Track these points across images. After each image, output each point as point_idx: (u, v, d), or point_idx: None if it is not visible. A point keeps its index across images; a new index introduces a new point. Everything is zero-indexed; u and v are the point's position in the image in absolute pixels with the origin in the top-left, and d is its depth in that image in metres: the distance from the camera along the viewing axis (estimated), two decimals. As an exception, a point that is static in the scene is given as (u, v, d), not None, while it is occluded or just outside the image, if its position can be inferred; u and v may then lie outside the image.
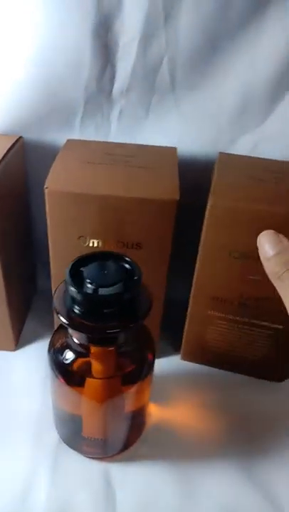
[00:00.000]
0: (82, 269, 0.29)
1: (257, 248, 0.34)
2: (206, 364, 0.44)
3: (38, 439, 0.37)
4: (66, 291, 0.29)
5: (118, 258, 0.30)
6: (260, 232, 0.34)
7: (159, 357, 0.45)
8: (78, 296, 0.27)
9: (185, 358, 0.45)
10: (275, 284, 0.27)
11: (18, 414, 0.39)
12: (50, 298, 0.48)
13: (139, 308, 0.29)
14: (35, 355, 0.44)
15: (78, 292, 0.27)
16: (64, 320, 0.28)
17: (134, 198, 0.33)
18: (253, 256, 0.35)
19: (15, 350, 0.45)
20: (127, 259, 0.29)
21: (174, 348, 0.46)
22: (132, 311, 0.28)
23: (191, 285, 0.40)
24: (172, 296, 0.42)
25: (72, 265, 0.29)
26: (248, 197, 0.34)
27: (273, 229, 0.33)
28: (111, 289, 0.28)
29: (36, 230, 0.50)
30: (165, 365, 0.44)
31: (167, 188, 0.34)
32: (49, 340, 0.46)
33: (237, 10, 0.37)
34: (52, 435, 0.37)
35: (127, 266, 0.29)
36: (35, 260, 0.52)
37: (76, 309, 0.28)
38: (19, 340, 0.46)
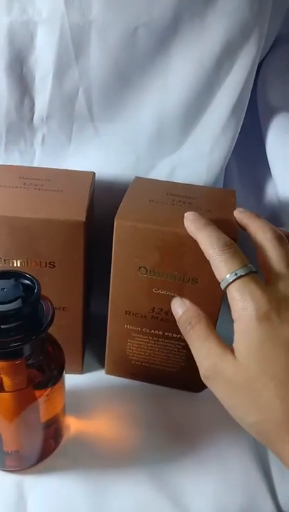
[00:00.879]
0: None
1: (158, 264, 0.37)
2: (129, 377, 0.46)
3: None
4: None
5: (17, 275, 0.31)
6: (160, 250, 0.36)
7: (85, 372, 0.46)
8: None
9: (109, 372, 0.47)
10: (186, 339, 0.31)
11: None
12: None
13: (40, 321, 0.31)
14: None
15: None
16: None
17: (42, 219, 0.36)
18: (158, 272, 0.38)
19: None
20: (26, 275, 0.31)
21: (100, 362, 0.47)
22: (33, 324, 0.30)
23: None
24: (96, 312, 0.44)
25: None
26: (147, 218, 0.37)
27: (170, 246, 0.36)
28: (10, 305, 0.29)
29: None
30: (90, 379, 0.46)
31: (75, 210, 0.37)
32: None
33: (143, 45, 0.41)
34: None
35: (26, 282, 0.31)
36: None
37: None
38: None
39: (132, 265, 0.38)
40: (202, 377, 0.30)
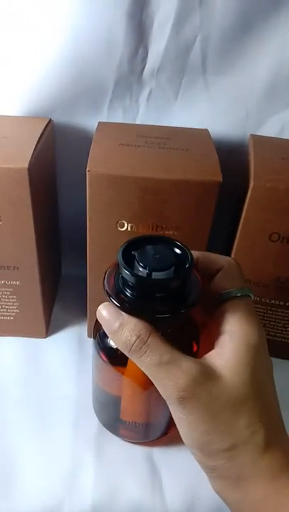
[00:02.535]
0: (133, 252, 0.28)
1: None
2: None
3: (79, 425, 0.37)
4: (116, 274, 0.28)
5: (169, 242, 0.29)
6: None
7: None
8: (132, 280, 0.27)
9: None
10: (128, 356, 0.26)
11: (55, 401, 0.38)
12: (75, 284, 0.48)
13: (189, 295, 0.28)
14: (66, 342, 0.44)
15: (132, 276, 0.27)
16: (116, 303, 0.27)
17: (176, 180, 0.33)
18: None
19: (46, 337, 0.44)
20: (178, 243, 0.29)
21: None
22: (182, 297, 0.28)
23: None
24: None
25: (124, 249, 0.28)
26: (288, 177, 0.34)
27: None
28: (164, 273, 0.27)
29: (62, 214, 0.49)
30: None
31: (209, 170, 0.34)
32: (78, 326, 0.46)
33: None
34: (92, 420, 0.37)
35: (177, 250, 0.29)
36: (60, 246, 0.51)
37: (128, 293, 0.27)
38: (49, 327, 0.45)
39: (264, 231, 0.35)
40: (175, 401, 0.24)
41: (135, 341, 0.25)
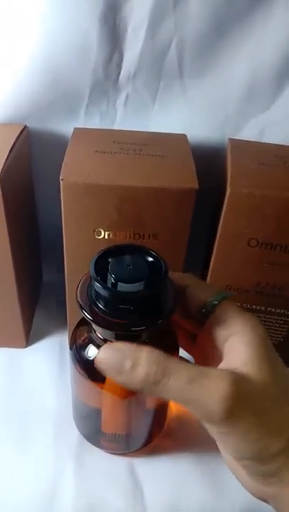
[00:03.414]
0: (109, 259, 0.27)
1: (274, 235, 0.34)
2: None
3: (59, 437, 0.36)
4: (90, 285, 0.28)
5: (142, 251, 0.28)
6: (278, 219, 0.33)
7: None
8: (103, 292, 0.26)
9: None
10: (151, 392, 0.23)
11: (36, 412, 0.38)
12: (57, 292, 0.47)
13: (165, 304, 0.28)
14: (46, 352, 0.44)
15: (104, 288, 0.26)
16: (88, 316, 0.27)
17: (153, 187, 0.33)
18: (271, 243, 0.35)
19: (26, 347, 0.44)
20: (152, 252, 0.28)
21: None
22: (158, 308, 0.28)
23: (201, 275, 0.39)
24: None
25: (97, 259, 0.27)
26: (265, 184, 0.34)
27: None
28: (136, 285, 0.27)
29: (41, 222, 0.48)
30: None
31: (185, 177, 0.34)
32: (59, 334, 0.46)
33: None
34: (72, 432, 0.36)
35: (150, 259, 0.28)
36: (40, 253, 0.51)
37: (100, 305, 0.27)
38: (30, 336, 0.45)
39: (242, 236, 0.35)
40: (220, 417, 0.21)
41: (157, 370, 0.22)
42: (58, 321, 0.46)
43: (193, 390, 0.22)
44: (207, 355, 0.27)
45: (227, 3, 0.37)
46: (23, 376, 0.41)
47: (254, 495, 0.25)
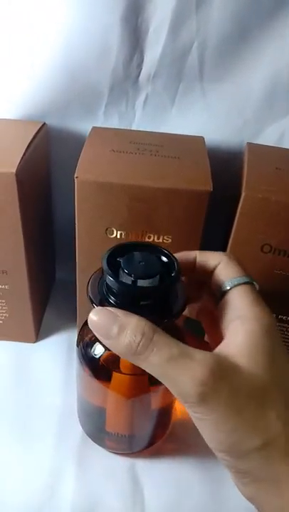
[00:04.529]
0: (118, 259, 0.27)
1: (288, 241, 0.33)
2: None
3: (62, 433, 0.36)
4: (101, 281, 0.28)
5: (155, 250, 0.28)
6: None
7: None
8: (116, 287, 0.26)
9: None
10: (133, 360, 0.23)
11: (41, 408, 0.38)
12: (69, 289, 0.47)
13: (174, 304, 0.28)
14: (56, 348, 0.44)
15: (117, 283, 0.26)
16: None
17: (166, 188, 0.32)
18: (284, 250, 0.35)
19: (35, 342, 0.44)
20: (164, 251, 0.28)
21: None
22: (167, 306, 0.27)
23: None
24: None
25: (109, 255, 0.27)
26: (280, 189, 0.33)
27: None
28: (149, 281, 0.26)
29: (57, 219, 0.49)
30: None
31: (200, 179, 0.33)
32: (69, 332, 0.46)
33: None
34: (75, 429, 0.36)
35: (164, 258, 0.28)
36: (55, 251, 0.51)
37: (112, 300, 0.27)
38: (39, 333, 0.45)
39: (255, 242, 0.35)
40: (194, 400, 0.22)
41: (140, 340, 0.22)
42: (69, 318, 0.46)
43: (172, 369, 0.22)
44: (216, 337, 0.26)
45: (250, 7, 0.37)
46: (30, 371, 0.41)
47: (244, 495, 0.25)
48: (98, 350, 0.31)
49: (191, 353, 0.22)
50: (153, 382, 0.31)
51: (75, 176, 0.32)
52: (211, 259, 0.28)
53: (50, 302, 0.49)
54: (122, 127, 0.43)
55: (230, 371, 0.22)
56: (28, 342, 0.44)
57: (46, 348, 0.44)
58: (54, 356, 0.43)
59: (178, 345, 0.23)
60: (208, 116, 0.43)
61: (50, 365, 0.42)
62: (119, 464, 0.35)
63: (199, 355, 0.22)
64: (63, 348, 0.44)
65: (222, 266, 0.27)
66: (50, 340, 0.45)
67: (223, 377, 0.22)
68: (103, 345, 0.30)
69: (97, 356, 0.31)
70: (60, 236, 0.50)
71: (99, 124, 0.43)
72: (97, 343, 0.31)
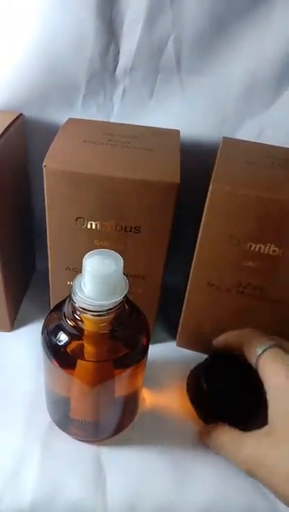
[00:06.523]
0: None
1: (255, 234, 0.34)
2: (201, 352, 0.44)
3: (30, 420, 0.37)
4: None
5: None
6: (259, 219, 0.33)
7: (155, 343, 0.44)
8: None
9: (180, 344, 0.45)
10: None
11: (12, 395, 0.38)
12: (47, 279, 0.48)
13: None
14: (31, 337, 0.44)
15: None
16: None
17: (134, 179, 0.33)
18: (251, 243, 0.35)
19: (11, 330, 0.45)
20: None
21: (170, 334, 0.45)
22: None
23: (188, 272, 0.39)
24: (169, 282, 0.41)
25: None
26: (248, 183, 0.34)
27: (272, 216, 0.33)
28: None
29: (36, 210, 0.49)
30: (160, 351, 0.44)
31: (168, 171, 0.34)
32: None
33: None
34: (44, 417, 0.37)
35: None
36: (34, 240, 0.51)
37: None
38: (15, 321, 0.45)
39: (224, 234, 0.35)
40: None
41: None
42: (46, 308, 0.46)
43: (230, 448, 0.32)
44: None
45: (226, 1, 0.37)
46: (4, 358, 0.42)
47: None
48: (62, 338, 0.31)
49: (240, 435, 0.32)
50: (118, 366, 0.31)
51: (43, 164, 0.33)
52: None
53: (28, 291, 0.50)
54: (100, 119, 0.44)
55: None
56: (2, 331, 0.44)
57: (21, 337, 0.44)
58: (29, 345, 0.43)
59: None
60: (188, 110, 0.43)
61: (25, 353, 0.42)
62: (85, 450, 0.35)
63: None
64: (38, 337, 0.44)
65: (247, 343, 0.35)
66: (26, 329, 0.45)
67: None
68: (67, 334, 0.31)
69: (61, 344, 0.31)
70: (40, 228, 0.50)
71: (77, 116, 0.43)
72: (61, 331, 0.31)
